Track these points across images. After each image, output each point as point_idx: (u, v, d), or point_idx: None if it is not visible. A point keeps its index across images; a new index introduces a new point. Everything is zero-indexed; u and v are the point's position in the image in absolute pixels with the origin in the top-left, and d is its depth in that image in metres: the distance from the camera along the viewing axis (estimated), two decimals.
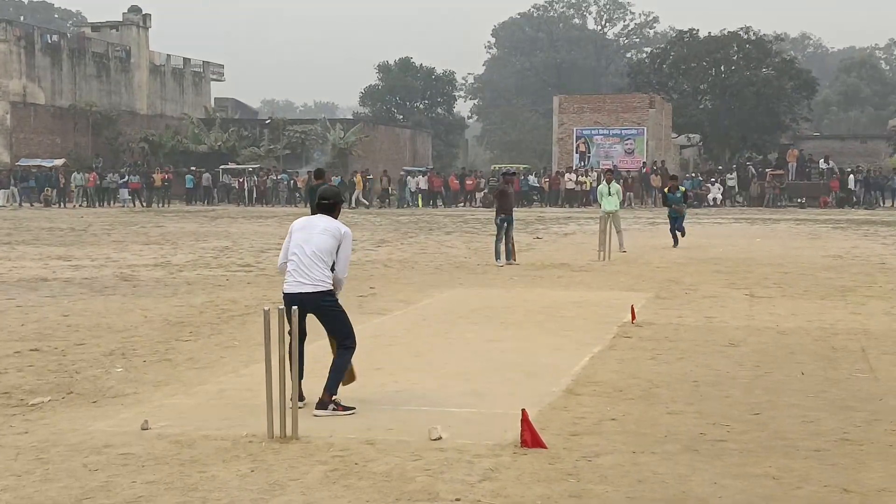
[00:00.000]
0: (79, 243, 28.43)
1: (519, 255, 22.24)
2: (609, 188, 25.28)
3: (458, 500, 6.21)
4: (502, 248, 21.68)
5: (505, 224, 21.56)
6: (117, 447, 7.40)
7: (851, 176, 55.28)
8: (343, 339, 8.66)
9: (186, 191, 60.49)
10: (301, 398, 8.33)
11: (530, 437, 7.30)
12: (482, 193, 58.61)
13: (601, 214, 24.47)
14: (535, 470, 6.80)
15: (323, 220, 8.63)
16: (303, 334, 8.60)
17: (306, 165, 66.10)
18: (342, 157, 67.81)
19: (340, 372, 8.57)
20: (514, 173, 22.56)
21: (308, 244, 8.45)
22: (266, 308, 7.76)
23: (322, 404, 8.40)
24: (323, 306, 8.53)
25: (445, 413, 8.36)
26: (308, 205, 22.26)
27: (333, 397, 8.46)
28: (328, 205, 8.73)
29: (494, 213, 22.21)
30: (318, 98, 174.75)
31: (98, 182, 58.35)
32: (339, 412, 8.37)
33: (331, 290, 8.52)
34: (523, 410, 7.49)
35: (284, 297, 8.41)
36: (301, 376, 8.39)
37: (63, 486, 6.55)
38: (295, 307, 8.08)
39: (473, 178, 60.57)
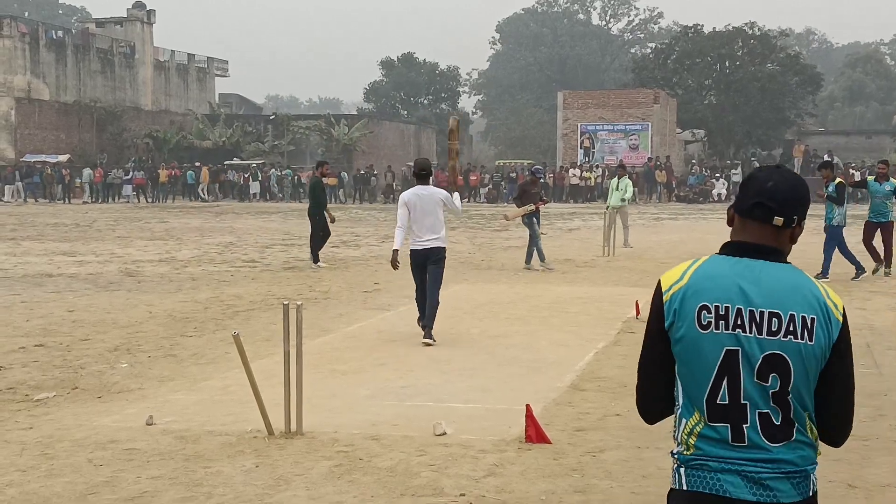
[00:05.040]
0: (83, 239, 28.46)
1: (522, 250, 22.15)
2: (618, 183, 25.17)
3: (462, 495, 6.21)
4: (542, 246, 20.22)
5: (535, 221, 20.00)
6: (122, 442, 7.42)
7: (854, 171, 55.16)
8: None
9: (189, 187, 60.50)
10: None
11: (535, 433, 7.31)
12: (486, 189, 58.62)
13: (608, 209, 24.34)
14: (539, 465, 6.80)
15: (427, 190, 11.75)
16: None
17: (311, 161, 66.16)
18: (346, 153, 67.82)
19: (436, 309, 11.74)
20: (538, 171, 21.57)
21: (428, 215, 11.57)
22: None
23: (429, 335, 11.52)
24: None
25: (450, 408, 8.37)
26: (309, 199, 21.87)
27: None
28: (425, 175, 11.88)
29: (513, 212, 20.51)
30: (323, 94, 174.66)
31: (103, 178, 58.42)
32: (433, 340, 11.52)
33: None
34: (528, 406, 7.49)
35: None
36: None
37: (68, 481, 6.56)
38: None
39: (478, 173, 60.55)
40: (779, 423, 2.92)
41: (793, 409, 2.93)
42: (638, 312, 13.42)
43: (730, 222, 3.12)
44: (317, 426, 7.71)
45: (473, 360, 10.54)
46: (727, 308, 2.91)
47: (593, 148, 61.86)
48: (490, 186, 58.76)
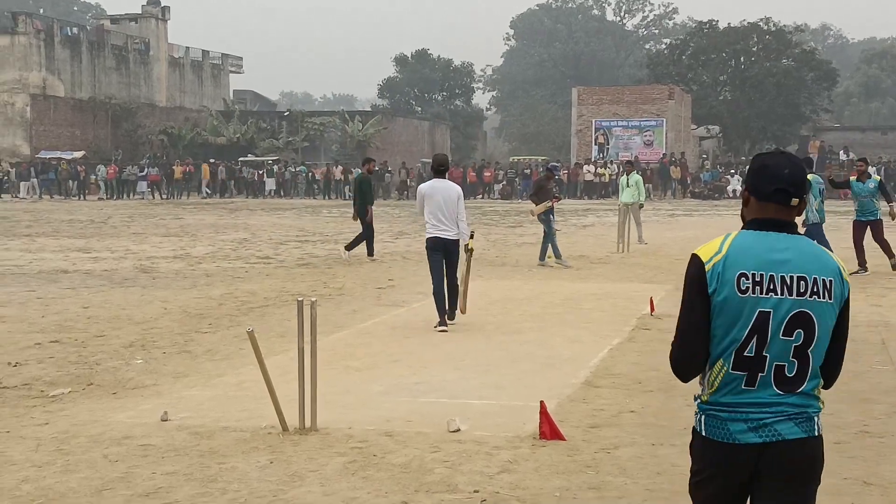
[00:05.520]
0: (98, 235, 28.54)
1: (536, 246, 22.10)
2: (627, 180, 25.14)
3: (476, 491, 6.21)
4: (557, 242, 20.15)
5: (550, 218, 19.97)
6: (137, 438, 7.43)
7: (870, 167, 54.95)
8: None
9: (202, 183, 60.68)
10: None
11: (549, 429, 7.30)
12: (500, 185, 58.57)
13: (619, 206, 24.40)
14: (553, 462, 6.79)
15: (444, 183, 12.54)
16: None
17: (325, 158, 66.18)
18: (361, 149, 67.84)
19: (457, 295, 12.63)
20: (554, 168, 21.46)
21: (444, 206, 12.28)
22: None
23: (452, 315, 12.50)
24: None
25: (464, 405, 8.37)
26: (353, 198, 22.25)
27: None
28: (443, 170, 12.71)
29: (536, 208, 20.16)
30: (337, 90, 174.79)
31: (118, 174, 58.59)
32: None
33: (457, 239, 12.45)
34: (542, 402, 7.48)
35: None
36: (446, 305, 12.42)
37: (83, 476, 6.58)
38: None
39: (492, 170, 60.52)
40: (791, 376, 3.49)
41: (810, 364, 3.51)
42: (652, 309, 13.39)
43: (745, 203, 3.64)
44: (331, 422, 7.71)
45: (487, 357, 10.53)
46: (762, 275, 3.46)
47: (608, 144, 61.77)
48: (504, 183, 58.69)
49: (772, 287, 3.45)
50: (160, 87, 78.32)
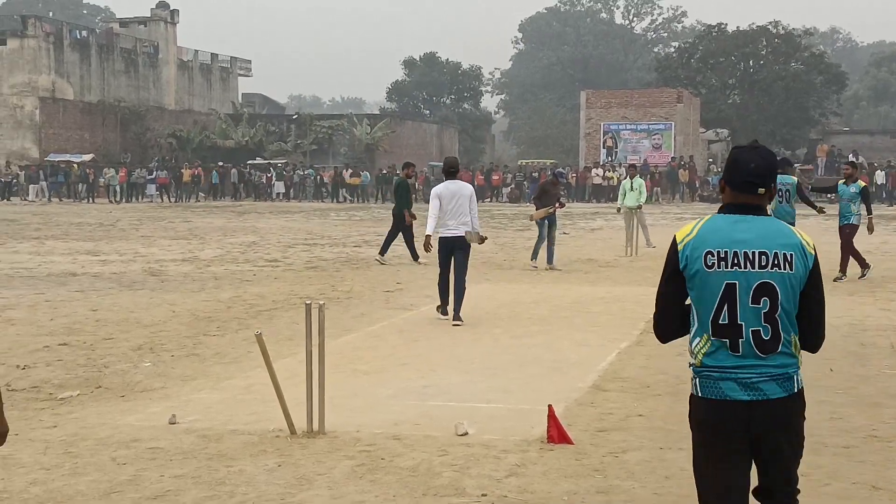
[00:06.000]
0: (107, 238, 28.58)
1: (543, 250, 21.91)
2: (632, 183, 25.01)
3: (484, 495, 6.21)
4: (542, 247, 20.30)
5: (546, 223, 20.08)
6: (145, 441, 7.44)
7: (879, 171, 54.79)
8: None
9: (213, 187, 60.73)
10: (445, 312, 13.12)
11: (557, 433, 7.29)
12: (508, 189, 58.54)
13: (624, 210, 24.27)
14: (561, 466, 6.79)
15: (457, 184, 13.23)
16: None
17: (333, 161, 66.23)
18: (369, 152, 67.88)
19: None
20: (559, 174, 21.67)
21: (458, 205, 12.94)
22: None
23: (458, 317, 12.81)
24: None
25: (472, 408, 8.36)
26: (394, 199, 22.60)
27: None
28: (454, 171, 13.38)
29: (537, 213, 20.30)
30: (345, 93, 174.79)
31: (127, 177, 58.68)
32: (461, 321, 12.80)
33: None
34: (550, 406, 7.48)
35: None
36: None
37: (91, 479, 6.59)
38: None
39: (500, 173, 60.50)
40: (767, 339, 3.96)
41: (780, 326, 3.96)
42: None
43: (721, 191, 4.19)
44: (339, 426, 7.71)
45: (495, 360, 10.53)
46: (726, 252, 3.98)
47: (616, 147, 61.74)
48: (512, 186, 58.67)
49: (735, 262, 3.96)
50: (169, 91, 78.48)
